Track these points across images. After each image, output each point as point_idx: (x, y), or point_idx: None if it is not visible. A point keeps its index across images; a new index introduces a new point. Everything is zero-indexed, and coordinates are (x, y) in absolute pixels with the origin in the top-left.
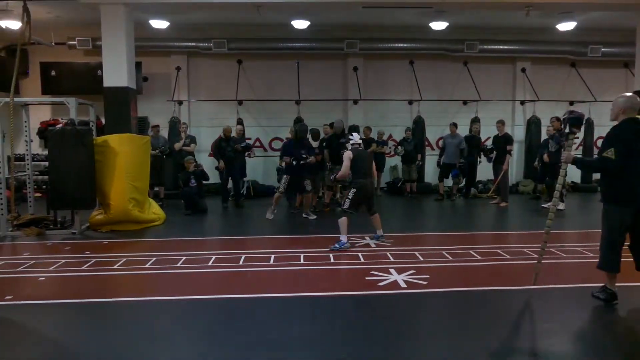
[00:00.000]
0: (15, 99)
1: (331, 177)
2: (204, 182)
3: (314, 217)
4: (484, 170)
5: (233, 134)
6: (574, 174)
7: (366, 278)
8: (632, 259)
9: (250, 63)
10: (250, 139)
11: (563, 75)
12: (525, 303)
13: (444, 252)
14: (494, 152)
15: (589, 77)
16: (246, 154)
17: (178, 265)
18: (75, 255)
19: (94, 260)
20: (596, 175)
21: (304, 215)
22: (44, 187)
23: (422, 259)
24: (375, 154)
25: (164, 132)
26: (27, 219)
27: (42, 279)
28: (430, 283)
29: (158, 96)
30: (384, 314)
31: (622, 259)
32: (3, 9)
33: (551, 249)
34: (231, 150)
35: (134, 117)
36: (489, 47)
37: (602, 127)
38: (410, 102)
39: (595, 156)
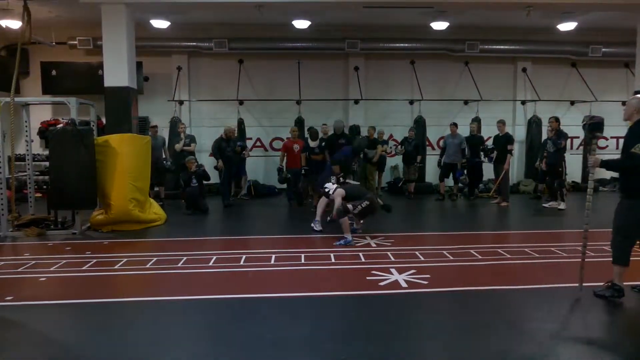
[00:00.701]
0: (16, 99)
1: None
2: (205, 182)
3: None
4: (485, 170)
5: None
6: (575, 174)
7: (367, 278)
8: (635, 259)
9: (251, 63)
10: (250, 138)
11: (564, 75)
12: (526, 303)
13: (444, 252)
14: (495, 152)
15: (590, 77)
16: (242, 153)
17: (179, 265)
18: (76, 255)
19: (94, 260)
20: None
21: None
22: (44, 187)
23: (422, 258)
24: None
25: (165, 132)
26: (27, 219)
27: (43, 279)
28: (431, 283)
29: (159, 96)
30: (385, 314)
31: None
32: (3, 8)
33: (551, 248)
34: (231, 150)
35: (134, 117)
36: (490, 47)
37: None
38: (411, 102)
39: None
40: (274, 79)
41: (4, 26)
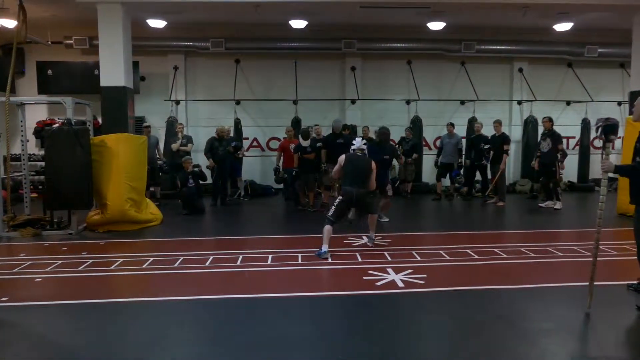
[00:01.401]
0: (11, 99)
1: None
2: (202, 182)
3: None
4: None
5: (231, 134)
6: (571, 174)
7: (364, 278)
8: (631, 258)
9: (248, 62)
10: (247, 138)
11: (560, 75)
12: (522, 302)
13: (441, 252)
14: (491, 152)
15: (586, 77)
16: (237, 153)
17: (175, 265)
18: (72, 255)
19: (91, 260)
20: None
21: (380, 217)
22: (40, 187)
23: (419, 258)
24: None
25: (162, 132)
26: (23, 219)
27: (39, 280)
28: (428, 282)
29: (155, 96)
30: (382, 314)
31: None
32: None
33: (547, 248)
34: (223, 150)
35: (131, 117)
36: (486, 47)
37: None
38: (408, 102)
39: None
40: (271, 78)
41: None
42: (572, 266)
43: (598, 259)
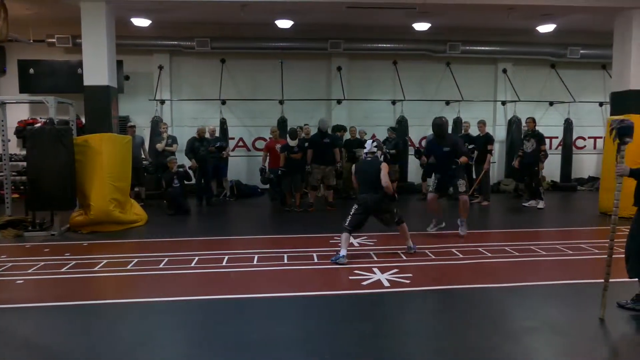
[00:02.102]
0: None
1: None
2: (187, 182)
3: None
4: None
5: (207, 134)
6: (554, 173)
7: (350, 277)
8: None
9: (234, 62)
10: (233, 138)
11: (543, 76)
12: (507, 301)
13: (426, 251)
14: (475, 152)
15: (568, 78)
16: (221, 153)
17: (160, 266)
18: (55, 257)
19: (74, 262)
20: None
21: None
22: (22, 187)
23: (405, 257)
24: None
25: (146, 132)
26: (4, 220)
27: (20, 282)
28: (413, 282)
29: (140, 95)
30: (368, 313)
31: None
32: None
33: (531, 247)
34: (204, 150)
35: (115, 117)
36: (471, 48)
37: (581, 127)
38: (394, 102)
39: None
40: (257, 78)
41: None
42: (557, 265)
43: (579, 257)
